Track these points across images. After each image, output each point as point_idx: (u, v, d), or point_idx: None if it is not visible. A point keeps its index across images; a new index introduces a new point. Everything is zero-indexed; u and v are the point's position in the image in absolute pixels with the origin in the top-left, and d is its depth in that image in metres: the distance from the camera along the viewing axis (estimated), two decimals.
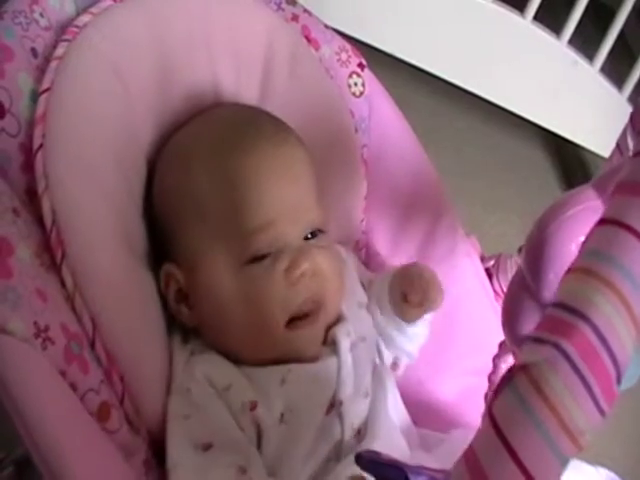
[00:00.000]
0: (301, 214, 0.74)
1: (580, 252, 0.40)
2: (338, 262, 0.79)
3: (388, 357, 0.84)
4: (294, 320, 0.73)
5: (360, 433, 0.72)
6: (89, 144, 0.70)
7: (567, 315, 0.38)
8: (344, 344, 0.75)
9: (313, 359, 0.74)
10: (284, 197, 0.73)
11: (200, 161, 0.75)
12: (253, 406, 0.69)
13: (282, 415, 0.70)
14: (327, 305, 0.75)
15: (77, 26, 0.73)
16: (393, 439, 0.74)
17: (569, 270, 0.40)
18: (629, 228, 0.39)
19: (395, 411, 0.78)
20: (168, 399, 0.70)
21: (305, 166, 0.78)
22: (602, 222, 0.40)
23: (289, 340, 0.73)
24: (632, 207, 0.39)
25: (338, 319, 0.78)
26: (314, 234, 0.76)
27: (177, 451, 0.67)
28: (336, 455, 0.70)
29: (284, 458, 0.69)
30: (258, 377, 0.72)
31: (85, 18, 0.74)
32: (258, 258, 0.72)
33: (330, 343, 0.76)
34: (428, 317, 0.81)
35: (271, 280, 0.72)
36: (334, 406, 0.71)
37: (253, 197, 0.72)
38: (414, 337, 0.83)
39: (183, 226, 0.75)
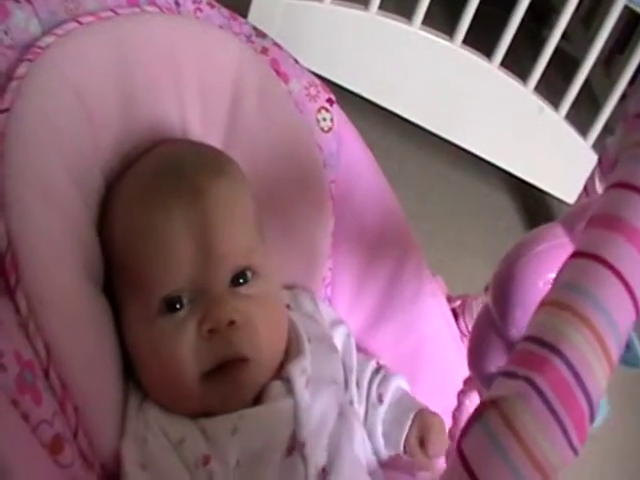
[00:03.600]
0: (217, 261, 0.71)
1: (553, 285, 0.40)
2: (273, 310, 0.76)
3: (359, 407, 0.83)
4: (212, 373, 0.70)
5: (325, 471, 0.69)
6: (49, 166, 0.68)
7: (539, 349, 0.37)
8: (299, 382, 0.72)
9: (267, 399, 0.72)
10: (190, 248, 0.70)
11: (121, 212, 0.73)
12: (206, 460, 0.66)
13: (238, 461, 0.67)
14: (257, 359, 0.72)
15: (40, 47, 0.71)
16: (359, 479, 0.72)
17: (541, 303, 0.39)
18: (603, 261, 0.38)
19: (362, 451, 0.75)
20: (123, 440, 0.68)
21: (233, 208, 0.74)
22: (575, 255, 0.40)
23: (207, 395, 0.70)
24: (606, 240, 0.39)
25: (295, 354, 0.76)
26: (245, 279, 0.73)
27: None
28: None
29: None
30: (210, 428, 0.69)
31: (49, 39, 0.72)
32: (171, 308, 0.70)
33: (285, 381, 0.73)
34: None
35: (182, 334, 0.69)
36: (296, 448, 0.69)
37: (158, 250, 0.70)
38: None
39: (111, 271, 0.74)
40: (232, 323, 0.70)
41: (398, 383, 0.85)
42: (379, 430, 0.82)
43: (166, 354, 0.69)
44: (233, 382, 0.71)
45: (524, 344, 0.38)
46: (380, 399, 0.83)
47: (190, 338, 0.69)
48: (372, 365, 0.86)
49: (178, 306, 0.70)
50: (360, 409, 0.82)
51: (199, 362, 0.69)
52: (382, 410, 0.83)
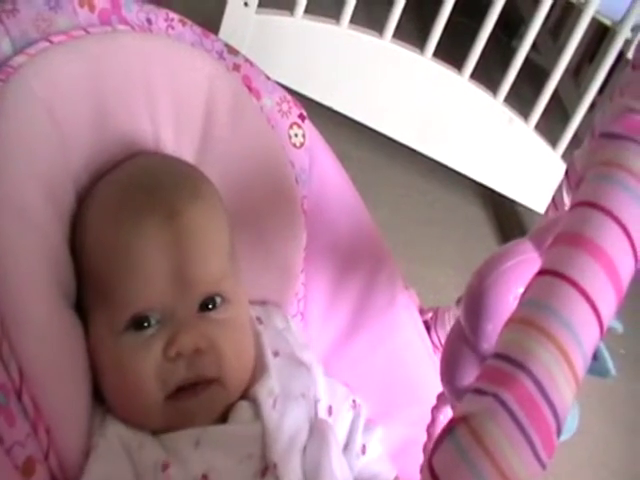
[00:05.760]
0: (187, 286, 0.71)
1: (519, 302, 0.41)
2: (241, 336, 0.76)
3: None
4: (175, 393, 0.70)
5: None
6: (23, 186, 0.68)
7: (506, 365, 0.38)
8: (266, 405, 0.73)
9: (233, 420, 0.72)
10: (163, 270, 0.70)
11: (93, 224, 0.73)
12: (165, 466, 0.66)
13: (204, 476, 0.67)
14: (222, 381, 0.72)
15: (12, 66, 0.71)
16: None
17: (508, 320, 0.40)
18: (567, 279, 0.39)
19: (338, 465, 0.75)
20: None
21: (208, 233, 0.74)
22: (541, 273, 0.41)
23: (169, 413, 0.70)
24: (570, 258, 0.40)
25: (260, 372, 0.76)
26: (214, 304, 0.73)
27: None
28: None
29: None
30: (170, 441, 0.69)
31: (21, 59, 0.72)
32: (138, 326, 0.70)
33: (252, 402, 0.73)
34: None
35: (147, 353, 0.69)
36: (268, 469, 0.69)
37: (130, 268, 0.70)
38: None
39: (81, 284, 0.73)
40: (202, 348, 0.70)
41: (379, 436, 0.86)
42: (352, 475, 0.81)
43: (129, 370, 0.69)
44: (196, 402, 0.71)
45: (492, 361, 0.39)
46: (363, 450, 0.84)
47: (154, 358, 0.69)
48: (350, 399, 0.86)
49: (146, 325, 0.70)
50: None
51: (162, 382, 0.69)
52: (362, 461, 0.83)
